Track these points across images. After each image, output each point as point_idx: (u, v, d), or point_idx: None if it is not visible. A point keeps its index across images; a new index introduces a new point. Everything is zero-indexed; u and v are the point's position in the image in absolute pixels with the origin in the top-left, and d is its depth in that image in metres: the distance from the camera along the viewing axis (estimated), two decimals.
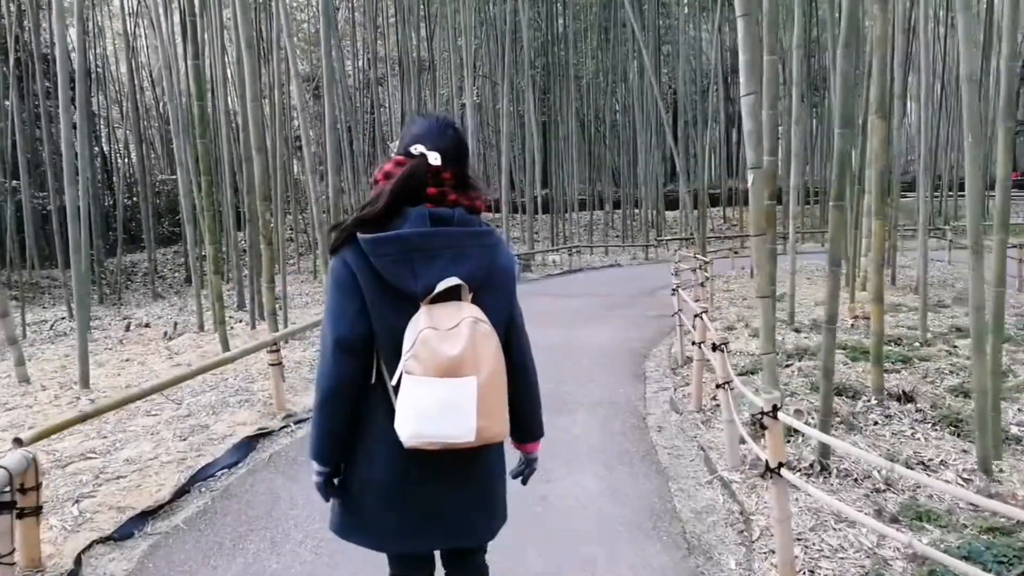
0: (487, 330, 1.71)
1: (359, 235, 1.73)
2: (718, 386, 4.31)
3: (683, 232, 27.27)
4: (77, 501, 4.16)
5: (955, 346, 7.59)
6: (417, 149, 1.80)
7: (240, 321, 11.89)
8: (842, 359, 7.12)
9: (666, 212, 28.15)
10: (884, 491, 4.06)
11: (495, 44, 26.98)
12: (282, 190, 11.91)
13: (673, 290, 7.26)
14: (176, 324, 11.60)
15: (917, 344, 7.71)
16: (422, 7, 24.22)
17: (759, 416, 2.97)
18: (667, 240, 23.87)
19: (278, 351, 5.82)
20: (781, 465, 2.91)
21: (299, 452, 5.02)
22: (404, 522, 1.85)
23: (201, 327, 10.88)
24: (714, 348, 4.25)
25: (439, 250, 1.72)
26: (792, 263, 9.92)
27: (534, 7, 22.55)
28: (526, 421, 2.03)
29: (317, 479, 1.88)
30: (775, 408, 2.91)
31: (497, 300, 1.83)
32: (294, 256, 24.01)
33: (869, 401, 5.52)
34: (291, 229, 25.18)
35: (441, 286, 1.69)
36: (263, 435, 5.37)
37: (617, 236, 28.40)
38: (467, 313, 1.70)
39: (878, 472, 4.20)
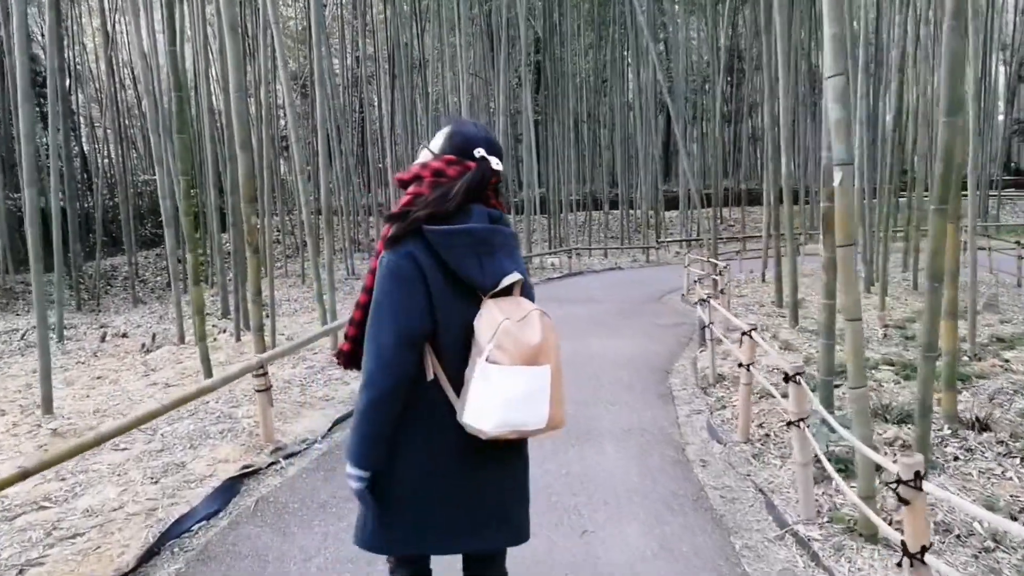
0: (550, 322, 1.77)
1: (426, 228, 1.72)
2: (790, 423, 3.63)
3: (682, 233, 26.70)
4: (21, 571, 3.42)
5: (1007, 360, 6.97)
6: (480, 152, 1.83)
7: (224, 331, 11.13)
8: (888, 376, 6.48)
9: (663, 212, 27.53)
10: (993, 550, 3.40)
11: (488, 40, 26.32)
12: (269, 191, 11.16)
13: (703, 300, 6.59)
14: (155, 335, 10.82)
15: (966, 358, 7.07)
16: (414, 2, 23.47)
17: (893, 485, 2.28)
18: (668, 242, 23.26)
19: (265, 374, 5.10)
20: (925, 549, 2.23)
21: (290, 497, 4.30)
22: (442, 523, 1.82)
23: (182, 339, 10.12)
24: (787, 379, 3.57)
25: (498, 246, 1.78)
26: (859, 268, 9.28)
27: (530, 1, 21.84)
28: None
29: (359, 485, 1.81)
30: (918, 476, 2.22)
31: (529, 298, 1.88)
32: (281, 259, 23.23)
33: (941, 430, 4.87)
34: (278, 231, 24.40)
35: (506, 280, 1.76)
36: (248, 474, 4.65)
37: (612, 237, 27.80)
38: (528, 306, 1.76)
39: (980, 525, 3.54)
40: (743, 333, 4.88)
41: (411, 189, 1.83)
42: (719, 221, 29.33)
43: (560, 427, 1.81)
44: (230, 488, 4.39)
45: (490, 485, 1.85)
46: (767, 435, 5.05)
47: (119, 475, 4.65)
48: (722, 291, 9.16)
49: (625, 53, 26.62)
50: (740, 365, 4.94)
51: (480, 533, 1.87)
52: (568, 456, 4.88)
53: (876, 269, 12.02)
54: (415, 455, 1.81)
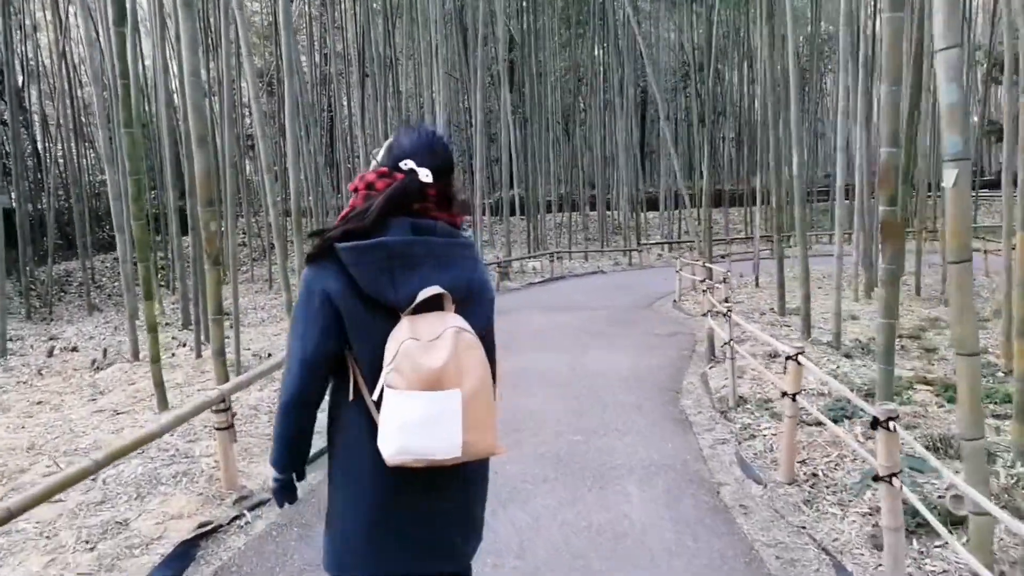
0: (471, 340, 1.64)
1: (337, 244, 1.66)
2: (878, 478, 2.94)
3: (662, 235, 26.21)
4: None
5: None
6: (407, 165, 1.76)
7: (184, 344, 10.24)
8: (927, 398, 5.89)
9: (642, 213, 27.00)
10: None
11: (462, 38, 25.59)
12: (233, 191, 10.31)
13: (722, 313, 5.93)
14: (106, 351, 9.89)
15: (1000, 373, 6.52)
16: None
17: None
18: (650, 245, 22.72)
19: (227, 409, 4.31)
20: None
21: (258, 565, 3.53)
22: (391, 543, 1.74)
23: (136, 354, 9.22)
24: (875, 425, 2.88)
25: (421, 258, 1.68)
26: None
27: None
28: None
29: (274, 484, 1.88)
30: None
31: (478, 313, 1.76)
32: (247, 262, 22.24)
33: (1012, 466, 4.25)
34: (243, 233, 23.41)
35: (423, 295, 1.64)
36: (206, 533, 3.86)
37: (590, 239, 27.23)
38: (450, 323, 1.64)
39: None
40: (788, 357, 4.20)
41: (351, 201, 1.79)
42: (701, 223, 28.99)
43: (485, 454, 1.70)
44: (183, 555, 3.60)
45: (423, 512, 1.75)
46: (814, 474, 4.39)
47: (48, 537, 3.84)
48: (726, 299, 8.50)
49: (599, 51, 26.05)
50: (785, 394, 4.26)
51: (419, 558, 1.77)
52: (588, 503, 4.17)
53: (875, 273, 11.52)
54: (339, 475, 1.79)
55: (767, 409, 5.68)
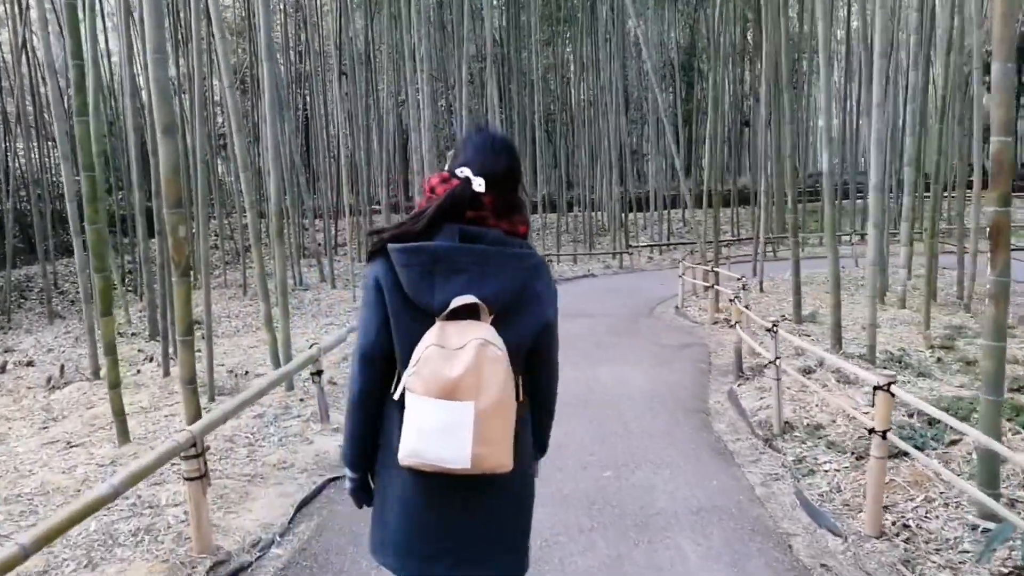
0: (496, 355, 1.60)
1: (389, 246, 1.69)
2: None
3: (648, 237, 25.62)
4: None
5: None
6: (463, 172, 1.75)
7: (150, 359, 9.37)
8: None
9: (625, 215, 26.39)
10: None
11: (443, 34, 24.84)
12: (204, 191, 9.44)
13: (769, 328, 5.23)
14: (63, 367, 8.99)
15: None
16: None
17: None
18: (640, 247, 22.11)
19: (199, 455, 3.53)
20: None
21: None
22: (416, 541, 1.75)
23: (96, 372, 8.33)
24: None
25: (464, 266, 1.66)
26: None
27: None
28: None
29: (349, 485, 1.91)
30: None
31: (523, 326, 1.72)
32: (219, 265, 21.26)
33: None
34: (216, 235, 22.43)
35: (455, 303, 1.62)
36: None
37: (575, 241, 26.61)
38: (478, 334, 1.60)
39: None
40: (878, 388, 3.51)
41: (419, 202, 1.80)
42: (681, 223, 28.49)
43: (497, 470, 1.64)
44: None
45: (444, 516, 1.74)
46: (905, 525, 3.70)
47: None
48: (747, 307, 7.83)
49: (584, 49, 25.41)
50: (872, 432, 3.57)
51: (442, 560, 1.75)
52: (637, 564, 3.46)
53: (887, 278, 10.97)
54: (381, 468, 1.82)
55: (820, 437, 5.00)
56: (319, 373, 5.67)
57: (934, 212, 7.84)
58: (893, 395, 3.48)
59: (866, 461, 4.45)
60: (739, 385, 6.59)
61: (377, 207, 25.03)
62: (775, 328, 5.09)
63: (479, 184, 1.73)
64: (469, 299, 1.63)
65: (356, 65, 20.41)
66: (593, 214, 26.23)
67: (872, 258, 6.93)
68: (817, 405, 5.60)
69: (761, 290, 12.48)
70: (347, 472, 1.90)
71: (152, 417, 6.26)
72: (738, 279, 9.21)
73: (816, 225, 27.29)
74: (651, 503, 4.21)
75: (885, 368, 6.87)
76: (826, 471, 4.49)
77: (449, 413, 1.58)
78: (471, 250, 1.67)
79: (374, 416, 1.80)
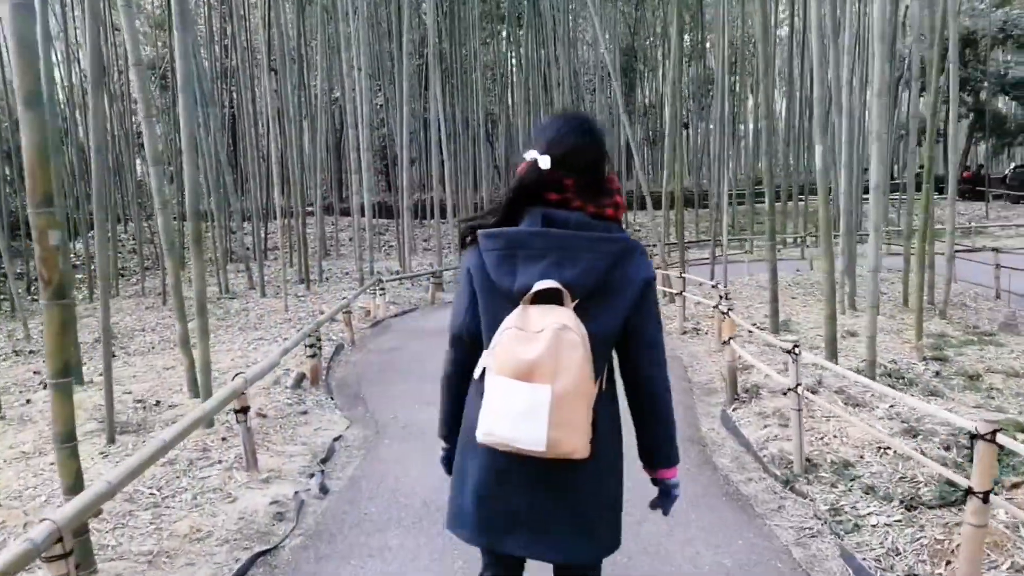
0: (573, 340, 1.60)
1: (479, 231, 1.75)
2: None
3: None
4: None
5: None
6: (531, 155, 1.76)
7: (44, 387, 8.04)
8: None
9: None
10: None
11: (383, 29, 23.75)
12: (101, 188, 8.17)
13: (789, 351, 4.40)
14: None
15: None
16: None
17: None
18: None
19: (67, 555, 2.49)
20: None
21: None
22: (489, 517, 1.79)
23: None
24: None
25: (545, 251, 1.68)
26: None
27: None
28: (652, 445, 1.87)
29: (441, 453, 2.02)
30: None
31: (610, 311, 1.71)
32: (137, 271, 19.61)
33: None
34: (134, 239, 20.77)
35: (537, 287, 1.64)
36: None
37: None
38: (557, 318, 1.61)
39: None
40: (975, 437, 2.72)
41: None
42: (665, 226, 27.94)
43: (572, 455, 1.64)
44: None
45: (518, 495, 1.76)
46: None
47: None
48: (729, 311, 7.07)
49: (520, 49, 24.66)
50: (970, 492, 2.78)
51: (514, 539, 1.78)
52: None
53: (855, 282, 10.47)
54: (460, 444, 1.87)
55: (853, 479, 4.23)
56: (244, 411, 4.62)
57: (926, 212, 7.26)
58: (1001, 447, 2.69)
59: (918, 513, 3.71)
60: (733, 409, 5.82)
61: (311, 208, 23.73)
62: (796, 351, 4.29)
63: (545, 162, 1.72)
64: (550, 284, 1.64)
65: (287, 60, 19.09)
66: None
67: (872, 263, 6.26)
68: (836, 435, 4.86)
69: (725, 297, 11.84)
70: (440, 443, 2.00)
71: (35, 466, 5.07)
72: (713, 285, 8.50)
73: (760, 227, 27.22)
74: (665, 573, 3.36)
75: (891, 375, 6.24)
76: (874, 526, 3.70)
77: (526, 395, 1.59)
78: (551, 234, 1.68)
79: (461, 394, 1.87)
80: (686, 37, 26.38)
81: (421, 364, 8.10)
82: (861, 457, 4.51)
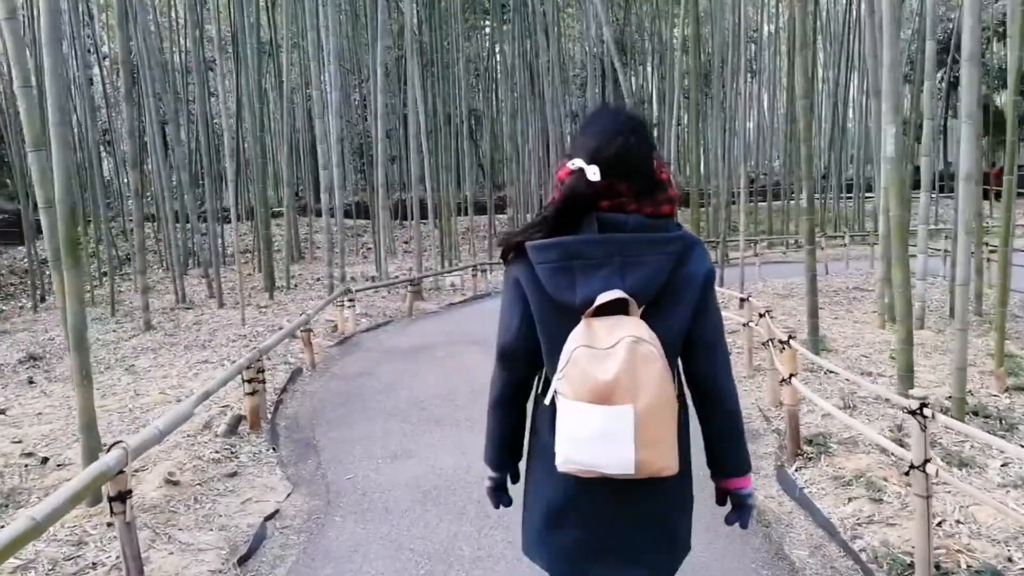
0: (649, 352, 1.48)
1: (527, 243, 1.62)
2: None
3: None
4: None
5: None
6: (576, 163, 1.60)
7: None
8: None
9: None
10: None
11: (356, 21, 22.34)
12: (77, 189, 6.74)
13: (915, 411, 3.00)
14: None
15: None
16: None
17: None
18: None
19: None
20: None
21: None
22: (568, 543, 1.68)
23: None
24: None
25: (605, 258, 1.55)
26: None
27: None
28: (723, 454, 1.72)
29: (488, 483, 1.87)
30: None
31: (676, 314, 1.59)
32: (96, 276, 18.03)
33: None
34: (97, 241, 19.17)
35: (600, 299, 1.52)
36: None
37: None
38: (628, 331, 1.49)
39: None
40: None
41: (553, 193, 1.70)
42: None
43: (663, 473, 1.52)
44: None
45: (600, 517, 1.65)
46: None
47: None
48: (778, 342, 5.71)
49: (503, 46, 23.32)
50: None
51: (595, 562, 1.67)
52: None
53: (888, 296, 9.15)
54: (532, 470, 1.77)
55: None
56: (122, 498, 3.18)
57: (1009, 212, 5.94)
58: None
59: None
60: (796, 469, 4.44)
61: (280, 209, 22.26)
62: (926, 412, 2.92)
63: (593, 173, 1.57)
64: (616, 294, 1.52)
65: (254, 55, 17.55)
66: (527, 216, 24.17)
67: (963, 274, 4.94)
68: (961, 519, 3.50)
69: (741, 305, 10.52)
70: (487, 471, 1.86)
71: None
72: (742, 299, 7.14)
73: (761, 228, 26.00)
74: None
75: (992, 431, 4.88)
76: None
77: (607, 419, 1.47)
78: (609, 240, 1.56)
79: (515, 417, 1.79)
80: (686, 26, 25.08)
81: (392, 395, 6.70)
82: (1009, 560, 3.16)
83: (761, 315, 5.96)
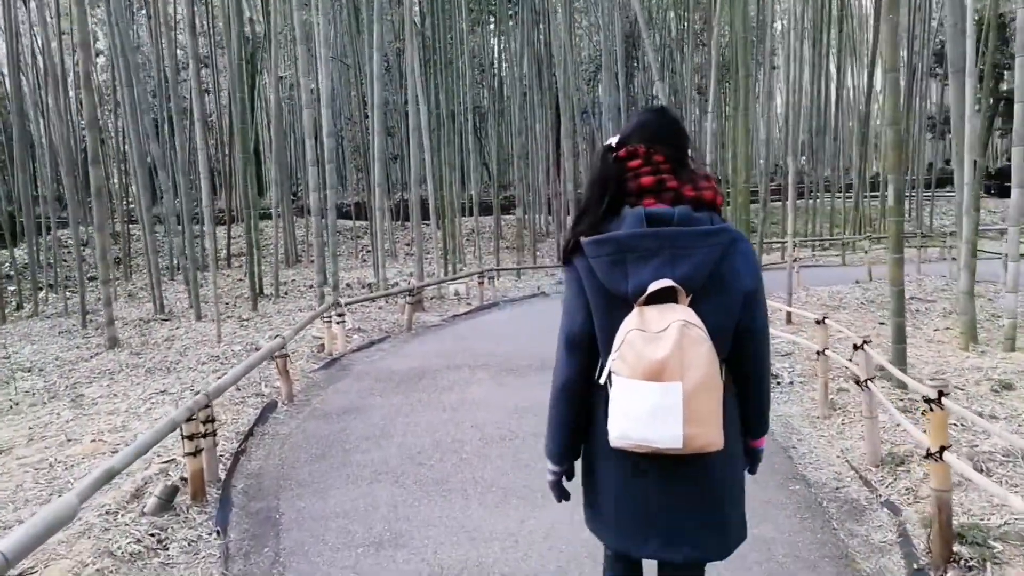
0: (698, 335, 1.62)
1: (582, 239, 1.76)
2: None
3: None
4: None
5: None
6: (610, 142, 1.82)
7: None
8: None
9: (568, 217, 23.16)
10: None
11: (353, 14, 21.12)
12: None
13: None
14: None
15: None
16: None
17: None
18: None
19: None
20: None
21: None
22: (628, 523, 1.79)
23: None
24: None
25: (655, 251, 1.68)
26: None
27: None
28: (751, 421, 1.90)
29: (550, 478, 1.93)
30: None
31: (722, 304, 1.71)
32: (70, 285, 16.81)
33: None
34: (83, 245, 17.96)
35: (652, 288, 1.64)
36: None
37: (509, 248, 23.24)
38: (678, 316, 1.62)
39: None
40: None
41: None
42: None
43: (709, 448, 1.64)
44: None
45: (652, 496, 1.76)
46: None
47: None
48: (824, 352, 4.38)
49: (505, 38, 22.08)
50: None
51: (649, 540, 1.77)
52: None
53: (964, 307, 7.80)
54: (588, 450, 1.86)
55: None
56: None
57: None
58: None
59: None
60: (940, 575, 3.08)
61: (268, 211, 21.02)
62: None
63: (613, 139, 1.80)
64: (666, 283, 1.63)
65: (233, 39, 16.26)
66: (530, 217, 22.94)
67: None
68: None
69: (789, 321, 9.14)
70: (548, 465, 1.91)
71: None
72: (818, 321, 5.79)
73: (776, 227, 24.68)
74: None
75: None
76: None
77: (657, 394, 1.58)
78: (658, 234, 1.67)
79: (580, 404, 1.83)
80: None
81: (382, 444, 5.31)
82: None
83: (857, 346, 4.60)
